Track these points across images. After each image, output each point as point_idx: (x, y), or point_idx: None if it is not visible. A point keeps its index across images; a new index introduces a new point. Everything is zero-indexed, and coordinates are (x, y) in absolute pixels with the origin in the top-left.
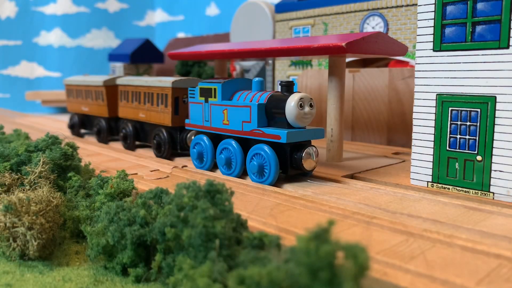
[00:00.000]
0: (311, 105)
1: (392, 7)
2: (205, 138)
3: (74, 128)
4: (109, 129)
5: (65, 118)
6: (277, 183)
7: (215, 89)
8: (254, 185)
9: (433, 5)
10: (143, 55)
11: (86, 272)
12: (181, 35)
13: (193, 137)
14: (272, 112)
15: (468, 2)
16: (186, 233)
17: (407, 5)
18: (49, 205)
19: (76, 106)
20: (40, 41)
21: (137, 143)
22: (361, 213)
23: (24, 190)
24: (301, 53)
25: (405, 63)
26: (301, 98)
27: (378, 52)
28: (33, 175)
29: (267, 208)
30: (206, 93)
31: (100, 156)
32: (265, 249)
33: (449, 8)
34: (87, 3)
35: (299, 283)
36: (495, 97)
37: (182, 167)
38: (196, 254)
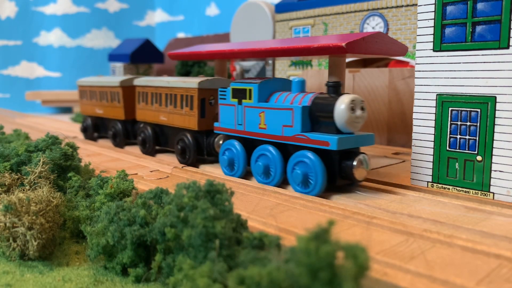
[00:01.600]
0: (362, 108)
1: (392, 7)
2: (236, 143)
3: (87, 131)
4: (126, 132)
5: (65, 118)
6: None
7: (250, 90)
8: (254, 185)
9: (433, 5)
10: (143, 55)
11: (86, 272)
12: (181, 35)
13: (221, 142)
14: (317, 115)
15: (468, 2)
16: (186, 233)
17: (407, 5)
18: (49, 205)
19: (90, 108)
20: (40, 41)
21: (155, 147)
22: (361, 213)
23: (24, 190)
24: (301, 53)
25: (405, 63)
26: (352, 100)
27: (378, 52)
28: (33, 175)
29: (267, 208)
30: (240, 94)
31: (100, 156)
32: (265, 249)
33: (449, 8)
34: (87, 3)
35: (299, 283)
36: (495, 97)
37: (182, 167)
38: (196, 254)
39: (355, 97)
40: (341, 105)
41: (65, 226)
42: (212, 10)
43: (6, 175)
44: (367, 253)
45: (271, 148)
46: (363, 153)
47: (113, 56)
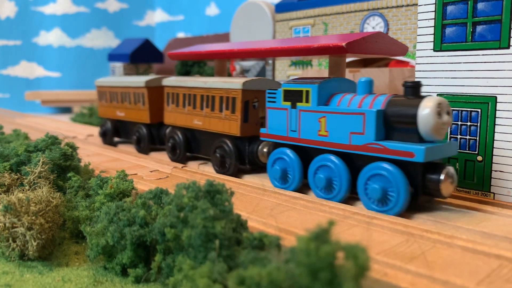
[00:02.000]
0: (448, 113)
1: (393, 7)
2: (289, 152)
3: (107, 135)
4: (151, 137)
5: (64, 118)
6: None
7: (307, 91)
8: (254, 185)
9: (434, 5)
10: (143, 55)
11: (85, 272)
12: (181, 35)
13: (265, 150)
14: (393, 121)
15: (469, 2)
16: (186, 233)
17: (408, 5)
18: (49, 205)
19: (110, 111)
20: (40, 41)
21: (186, 154)
22: (361, 213)
23: (23, 190)
24: (301, 53)
25: (405, 63)
26: (439, 104)
27: (378, 52)
28: (32, 175)
29: (267, 209)
30: (294, 97)
31: (100, 157)
32: (265, 249)
33: (450, 8)
34: (87, 3)
35: (299, 284)
36: (496, 97)
37: (182, 167)
38: (196, 255)
39: (441, 99)
40: (426, 109)
41: (65, 226)
42: (212, 10)
43: (6, 175)
44: (367, 254)
45: (334, 158)
46: (448, 164)
47: (113, 56)
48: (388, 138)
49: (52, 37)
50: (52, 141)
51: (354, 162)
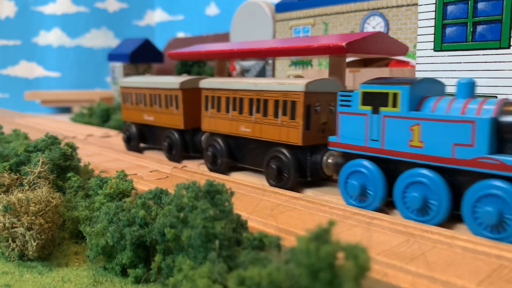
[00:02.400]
0: None
1: (393, 6)
2: (369, 164)
3: (131, 141)
4: (184, 144)
5: (64, 118)
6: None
7: (395, 94)
8: (254, 186)
9: (434, 5)
10: (143, 55)
11: (85, 272)
12: (181, 35)
13: (330, 160)
14: (507, 131)
15: (469, 2)
16: (186, 233)
17: (408, 5)
18: (49, 205)
19: (135, 114)
20: (40, 41)
21: (229, 164)
22: (361, 213)
23: (23, 190)
24: (301, 53)
25: (405, 63)
26: None
27: (378, 52)
28: (32, 175)
29: (267, 209)
30: (377, 100)
31: (100, 157)
32: (265, 249)
33: (450, 8)
34: (86, 2)
35: (299, 284)
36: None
37: (182, 167)
38: (196, 255)
39: None
40: None
41: (65, 227)
42: (212, 10)
43: (5, 175)
44: (367, 254)
45: (430, 173)
46: None
47: (113, 56)
48: (500, 151)
49: (52, 37)
50: (52, 141)
51: (456, 179)
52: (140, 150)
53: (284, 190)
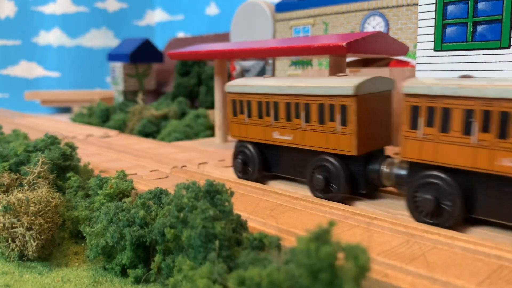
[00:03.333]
0: None
1: (393, 6)
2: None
3: (250, 168)
4: (350, 180)
5: (64, 118)
6: None
7: None
8: (254, 186)
9: (434, 5)
10: (143, 55)
11: (85, 273)
12: (181, 35)
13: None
14: None
15: (469, 2)
16: (186, 234)
17: (408, 5)
18: (48, 205)
19: (256, 131)
20: (39, 41)
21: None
22: (361, 214)
23: (23, 190)
24: (301, 53)
25: (406, 63)
26: None
27: (378, 52)
28: (32, 175)
29: (267, 209)
30: None
31: (99, 156)
32: (265, 250)
33: (450, 8)
34: (86, 2)
35: (299, 284)
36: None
37: (182, 167)
38: (196, 255)
39: None
40: None
41: (64, 227)
42: (212, 10)
43: (5, 175)
44: (367, 254)
45: None
46: None
47: (113, 56)
48: None
49: (52, 37)
50: (52, 141)
51: None
52: (261, 181)
53: (284, 190)
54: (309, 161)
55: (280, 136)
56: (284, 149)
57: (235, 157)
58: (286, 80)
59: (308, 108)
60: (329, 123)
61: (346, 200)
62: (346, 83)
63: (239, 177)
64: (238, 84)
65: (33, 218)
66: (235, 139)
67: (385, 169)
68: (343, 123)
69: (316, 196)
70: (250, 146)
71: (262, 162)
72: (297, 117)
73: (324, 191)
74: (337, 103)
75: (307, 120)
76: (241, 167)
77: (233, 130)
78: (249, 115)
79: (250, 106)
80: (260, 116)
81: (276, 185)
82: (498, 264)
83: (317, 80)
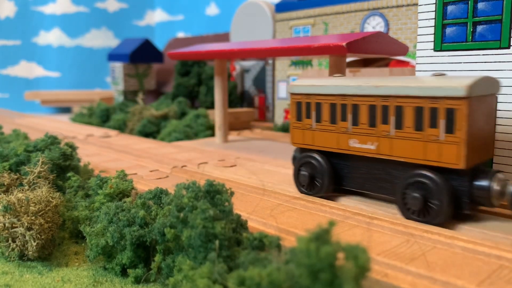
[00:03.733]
0: None
1: (393, 6)
2: None
3: (317, 183)
4: (452, 197)
5: (64, 118)
6: None
7: None
8: (254, 186)
9: (434, 5)
10: (143, 55)
11: (85, 272)
12: (181, 35)
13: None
14: None
15: (469, 2)
16: (186, 233)
17: (408, 5)
18: (48, 205)
19: (326, 138)
20: (39, 41)
21: None
22: (361, 213)
23: (23, 190)
24: (301, 53)
25: (405, 63)
26: None
27: (378, 52)
28: (32, 175)
29: (267, 209)
30: None
31: (99, 156)
32: (265, 250)
33: (450, 8)
34: (86, 2)
35: (299, 285)
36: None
37: (182, 167)
38: (196, 255)
39: None
40: None
41: (64, 227)
42: (212, 10)
43: (5, 175)
44: (367, 254)
45: None
46: None
47: (113, 56)
48: None
49: (52, 37)
50: (52, 141)
51: None
52: (329, 197)
53: (284, 190)
54: (397, 175)
55: (360, 145)
56: (362, 159)
57: (298, 169)
58: (370, 79)
59: (400, 111)
60: (429, 129)
61: (447, 224)
62: (455, 82)
63: (302, 192)
64: (305, 84)
65: (33, 218)
66: (297, 147)
67: (495, 186)
68: (449, 130)
69: (408, 218)
70: (317, 156)
71: (332, 175)
72: (385, 122)
73: (421, 213)
74: (441, 106)
75: (398, 126)
76: (308, 181)
77: (295, 136)
78: (318, 120)
79: (320, 109)
80: (333, 121)
81: (348, 202)
82: (498, 264)
83: (413, 79)
